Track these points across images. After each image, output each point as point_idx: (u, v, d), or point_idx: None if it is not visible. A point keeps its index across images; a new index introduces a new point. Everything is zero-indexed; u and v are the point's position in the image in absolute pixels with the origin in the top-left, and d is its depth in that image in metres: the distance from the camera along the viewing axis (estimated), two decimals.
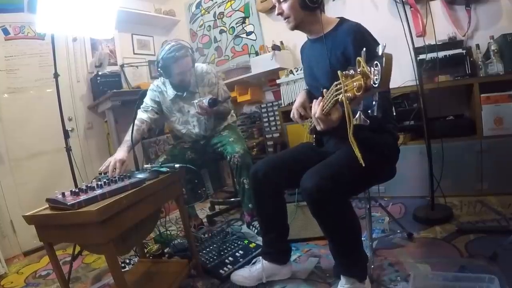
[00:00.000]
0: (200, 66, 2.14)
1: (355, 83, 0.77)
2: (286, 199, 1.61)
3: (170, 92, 2.10)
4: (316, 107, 1.01)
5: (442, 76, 2.07)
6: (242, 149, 1.96)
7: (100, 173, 1.55)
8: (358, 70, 0.75)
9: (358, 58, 0.76)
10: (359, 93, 0.76)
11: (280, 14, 1.29)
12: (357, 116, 0.83)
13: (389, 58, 0.68)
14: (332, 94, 0.91)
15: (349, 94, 0.81)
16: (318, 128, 1.05)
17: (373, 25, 1.35)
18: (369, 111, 0.81)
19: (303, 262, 1.62)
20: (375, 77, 0.70)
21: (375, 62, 0.70)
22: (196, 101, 1.94)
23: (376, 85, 0.70)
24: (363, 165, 0.89)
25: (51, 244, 1.17)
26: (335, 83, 0.88)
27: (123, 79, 3.07)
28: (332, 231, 1.18)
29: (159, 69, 1.97)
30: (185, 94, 2.08)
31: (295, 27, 1.31)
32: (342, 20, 1.29)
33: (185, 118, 2.17)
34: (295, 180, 1.20)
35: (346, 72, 0.82)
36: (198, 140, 2.22)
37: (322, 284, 1.40)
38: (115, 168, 1.55)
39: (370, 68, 0.72)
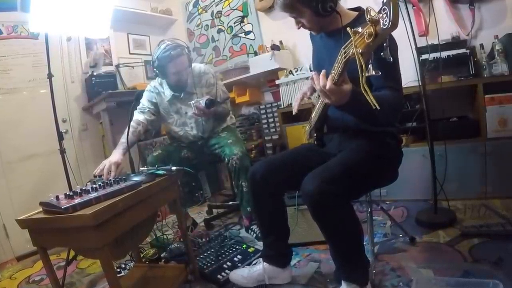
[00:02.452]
0: (198, 66, 2.12)
1: (365, 32, 0.78)
2: (286, 202, 1.60)
3: (168, 93, 2.07)
4: (323, 81, 0.96)
5: (445, 76, 2.04)
6: (240, 151, 1.93)
7: (95, 176, 1.54)
8: (367, 18, 0.77)
9: (367, 7, 0.78)
10: (370, 40, 0.77)
11: (302, 27, 1.28)
12: (369, 67, 0.84)
13: (395, 1, 0.71)
14: (341, 59, 0.90)
15: (359, 50, 0.81)
16: (327, 101, 1.00)
17: None
18: (381, 54, 0.83)
19: (303, 266, 1.59)
20: (384, 20, 0.72)
21: (383, 7, 0.72)
22: (193, 101, 1.91)
23: (386, 26, 0.72)
24: (378, 108, 0.86)
25: (45, 249, 1.16)
26: (342, 47, 0.88)
27: (118, 80, 3.02)
28: (333, 235, 1.16)
29: (154, 69, 1.96)
30: (182, 95, 2.05)
31: (320, 32, 1.31)
32: (360, 14, 1.22)
33: (182, 120, 2.13)
34: (295, 182, 1.18)
35: (355, 29, 0.82)
36: (196, 141, 2.19)
37: None
38: (110, 171, 1.53)
39: (379, 14, 0.74)
